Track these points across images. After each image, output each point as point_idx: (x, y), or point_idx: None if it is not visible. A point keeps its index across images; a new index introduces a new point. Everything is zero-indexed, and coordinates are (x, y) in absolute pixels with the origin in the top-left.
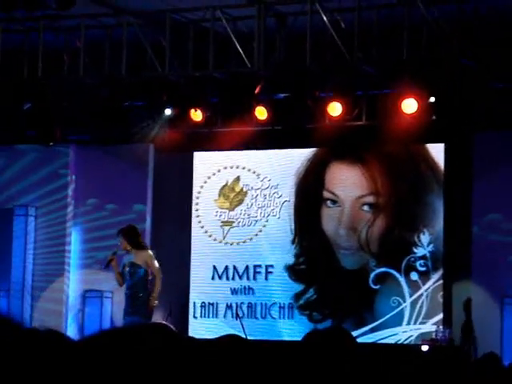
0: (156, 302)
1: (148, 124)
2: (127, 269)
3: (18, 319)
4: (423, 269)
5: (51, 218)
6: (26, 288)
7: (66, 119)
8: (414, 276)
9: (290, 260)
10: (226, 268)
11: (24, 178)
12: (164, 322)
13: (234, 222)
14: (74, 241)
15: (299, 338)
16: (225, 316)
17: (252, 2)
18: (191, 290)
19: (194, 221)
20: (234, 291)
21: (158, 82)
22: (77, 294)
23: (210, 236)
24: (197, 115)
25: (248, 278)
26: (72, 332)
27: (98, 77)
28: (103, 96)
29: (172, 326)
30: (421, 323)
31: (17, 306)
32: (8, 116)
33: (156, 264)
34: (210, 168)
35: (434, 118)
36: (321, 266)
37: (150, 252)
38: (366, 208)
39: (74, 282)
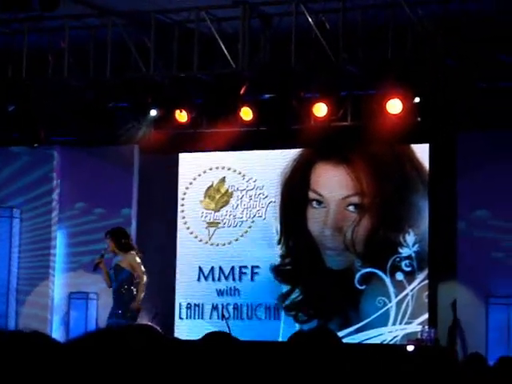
0: (139, 304)
1: (133, 125)
2: (112, 271)
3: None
4: (408, 269)
5: (36, 220)
6: (11, 291)
7: (51, 121)
8: (399, 276)
9: (276, 261)
10: (212, 269)
11: (8, 180)
12: (149, 324)
13: (219, 222)
14: (59, 244)
15: (285, 339)
16: (211, 317)
17: (237, 3)
18: (177, 291)
19: (180, 222)
20: (219, 292)
21: (142, 82)
22: (62, 297)
23: (196, 237)
24: (182, 116)
25: (234, 279)
26: (58, 334)
27: (83, 78)
28: (88, 97)
29: (158, 328)
30: (406, 323)
31: (1, 310)
32: None
33: (141, 267)
34: (196, 169)
35: (418, 119)
36: (306, 266)
37: (136, 254)
38: (351, 208)
39: (58, 286)
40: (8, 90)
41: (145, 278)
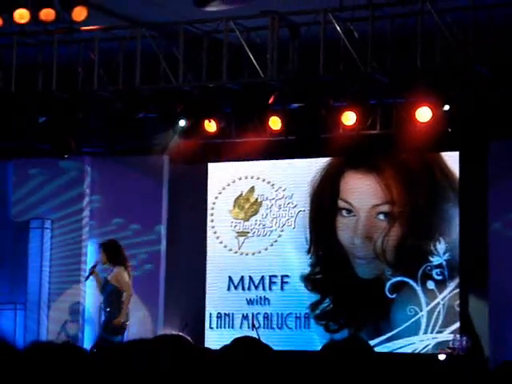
0: (124, 319)
1: (162, 135)
2: (101, 284)
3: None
4: (439, 277)
5: (67, 230)
6: (43, 300)
7: (81, 131)
8: (430, 285)
9: (306, 270)
10: (242, 278)
11: (39, 191)
12: (180, 334)
13: (249, 232)
14: (90, 255)
15: (316, 349)
16: (241, 327)
17: (265, 13)
18: (207, 301)
19: (209, 231)
20: (249, 302)
21: (172, 93)
22: (93, 308)
23: (226, 246)
24: (211, 126)
25: (264, 289)
26: (89, 343)
27: (113, 89)
28: (117, 108)
29: (188, 338)
30: (438, 332)
31: (33, 319)
32: (23, 129)
33: (125, 279)
34: (225, 178)
35: (449, 129)
36: (337, 275)
37: (126, 269)
38: (381, 217)
39: (90, 297)
40: (39, 101)
41: (130, 290)
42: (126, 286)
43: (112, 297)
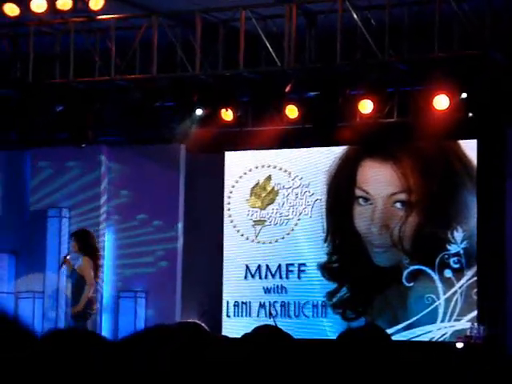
0: (83, 307)
1: (179, 124)
2: (69, 272)
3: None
4: (457, 266)
5: (84, 219)
6: (61, 289)
7: (98, 121)
8: (447, 273)
9: (323, 258)
10: (259, 267)
11: (56, 180)
12: (196, 321)
13: (265, 220)
14: (108, 242)
15: (333, 337)
16: (258, 315)
17: (281, 1)
18: (224, 289)
19: (226, 220)
20: (266, 290)
21: (188, 82)
22: (111, 295)
23: (242, 235)
24: (228, 115)
25: (281, 277)
26: (108, 333)
27: (129, 78)
28: (134, 97)
29: (205, 325)
30: (455, 320)
31: (51, 308)
32: (40, 119)
33: (88, 269)
34: (242, 167)
35: (468, 114)
36: (354, 263)
37: (87, 258)
38: (398, 205)
39: (107, 284)
40: (55, 90)
41: (90, 281)
42: (88, 276)
43: (76, 285)
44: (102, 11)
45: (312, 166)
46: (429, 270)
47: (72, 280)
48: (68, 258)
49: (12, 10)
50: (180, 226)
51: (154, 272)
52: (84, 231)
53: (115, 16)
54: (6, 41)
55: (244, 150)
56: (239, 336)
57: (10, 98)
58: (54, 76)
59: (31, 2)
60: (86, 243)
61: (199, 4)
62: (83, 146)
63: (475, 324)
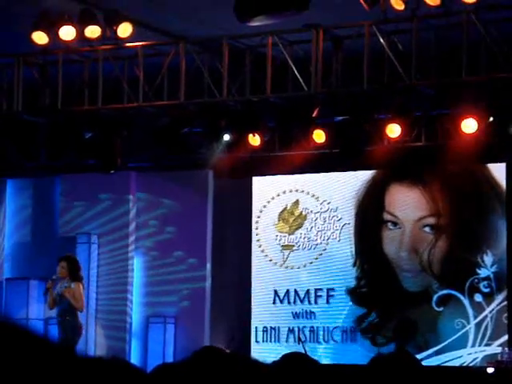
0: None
1: (207, 150)
2: (58, 297)
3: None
4: (487, 290)
5: (113, 246)
6: (90, 314)
7: (126, 147)
8: (477, 297)
9: (352, 283)
10: (287, 292)
11: (86, 207)
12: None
13: (294, 245)
14: (137, 269)
15: (363, 362)
16: (287, 340)
17: (308, 27)
18: (253, 315)
19: (254, 245)
20: (295, 315)
21: (216, 107)
22: (140, 320)
23: (271, 260)
24: (255, 140)
25: (309, 302)
26: (137, 358)
27: (157, 104)
28: (162, 123)
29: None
30: (486, 345)
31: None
32: (70, 145)
33: (82, 296)
34: (269, 192)
35: (496, 138)
36: (383, 288)
37: (79, 284)
38: (427, 229)
39: (136, 309)
40: (84, 117)
41: (82, 309)
42: (81, 302)
43: (69, 312)
44: (130, 39)
45: (340, 190)
46: (459, 295)
47: (63, 307)
48: (54, 282)
49: (41, 38)
50: (208, 251)
51: (183, 297)
52: (74, 257)
53: (143, 43)
54: (35, 69)
55: (271, 174)
56: (268, 362)
57: (39, 124)
58: (82, 103)
59: (60, 30)
60: (77, 269)
61: (226, 30)
62: (112, 172)
63: (506, 349)
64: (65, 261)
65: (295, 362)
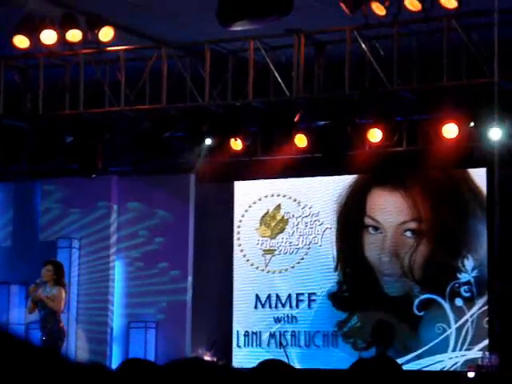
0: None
1: (189, 154)
2: (40, 302)
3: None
4: (468, 294)
5: (94, 250)
6: (71, 318)
7: (108, 151)
8: (458, 302)
9: (333, 287)
10: (269, 296)
11: (67, 211)
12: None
13: (275, 250)
14: (118, 273)
15: (344, 367)
16: (268, 345)
17: (290, 31)
18: (234, 319)
19: (236, 249)
20: (277, 320)
21: (198, 112)
22: (121, 326)
23: (252, 264)
24: (237, 144)
25: (291, 307)
26: (117, 363)
27: (139, 108)
28: (144, 127)
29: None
30: (466, 349)
31: None
32: (50, 150)
33: (63, 302)
34: (251, 197)
35: (476, 143)
36: (364, 293)
37: (63, 290)
38: (408, 234)
39: (117, 315)
40: (65, 121)
41: (62, 312)
42: (58, 305)
43: (52, 317)
44: (112, 43)
45: (321, 194)
46: (439, 299)
47: (46, 312)
48: (37, 286)
49: (22, 42)
50: (190, 261)
51: (165, 302)
52: (60, 262)
53: (125, 47)
54: (16, 72)
55: (253, 179)
56: (249, 366)
57: (20, 129)
58: (64, 107)
59: (41, 34)
60: (63, 275)
61: (208, 35)
62: (93, 176)
63: (486, 353)
64: (51, 264)
65: (272, 369)
